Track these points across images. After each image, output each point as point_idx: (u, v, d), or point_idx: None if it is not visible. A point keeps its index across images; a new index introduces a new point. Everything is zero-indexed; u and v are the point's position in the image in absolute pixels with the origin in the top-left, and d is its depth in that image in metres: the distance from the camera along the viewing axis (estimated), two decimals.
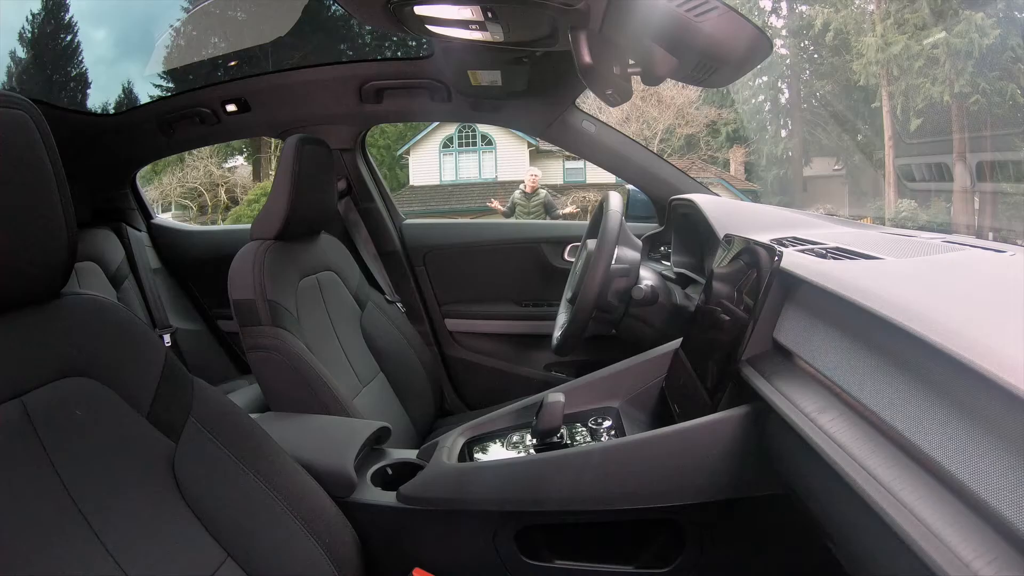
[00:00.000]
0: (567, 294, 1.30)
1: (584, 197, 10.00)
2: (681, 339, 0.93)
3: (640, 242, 1.19)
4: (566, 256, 1.78)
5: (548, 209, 5.06)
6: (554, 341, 1.20)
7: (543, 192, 5.12)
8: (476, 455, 0.90)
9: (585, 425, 0.93)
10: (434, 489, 0.79)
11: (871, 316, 0.49)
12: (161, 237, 2.08)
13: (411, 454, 0.92)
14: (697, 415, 0.70)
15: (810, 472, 0.52)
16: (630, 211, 1.71)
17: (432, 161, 11.92)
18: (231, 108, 1.70)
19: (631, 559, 0.78)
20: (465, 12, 1.00)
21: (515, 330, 1.84)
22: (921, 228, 1.03)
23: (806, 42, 10.85)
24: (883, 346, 0.49)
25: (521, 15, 1.01)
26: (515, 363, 1.83)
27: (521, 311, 1.83)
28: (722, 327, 0.76)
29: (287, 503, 0.68)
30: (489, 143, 11.69)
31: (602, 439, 0.89)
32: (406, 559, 0.80)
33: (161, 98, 1.82)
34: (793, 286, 0.66)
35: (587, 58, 0.92)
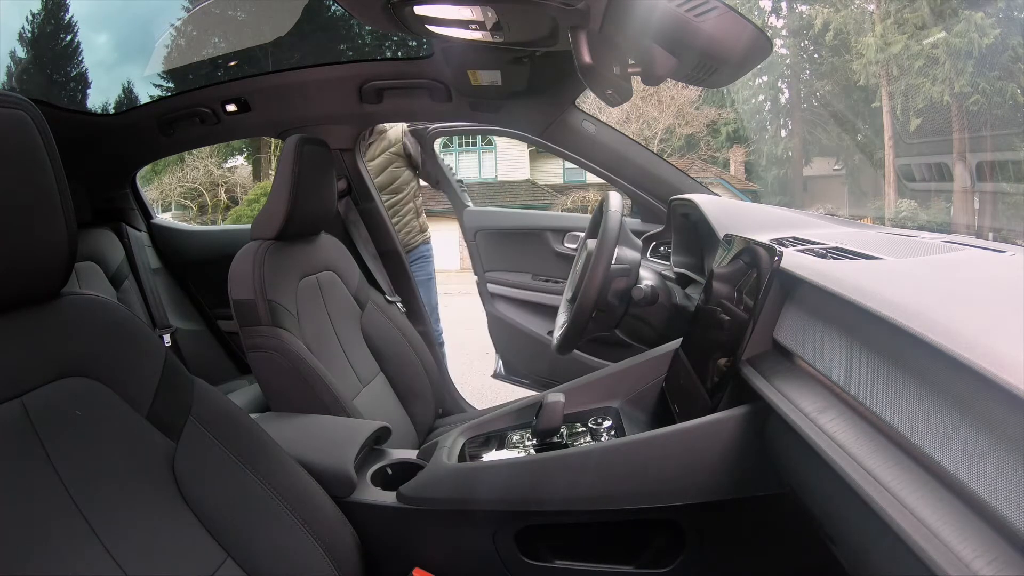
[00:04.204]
0: (567, 294, 1.30)
1: (584, 197, 10.00)
2: (681, 339, 0.93)
3: (640, 242, 1.19)
4: (565, 243, 1.84)
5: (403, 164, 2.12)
6: (554, 341, 1.20)
7: (395, 136, 2.10)
8: (476, 455, 0.90)
9: (585, 425, 0.93)
10: (434, 489, 0.79)
11: (871, 316, 0.49)
12: (161, 237, 2.08)
13: (411, 454, 0.92)
14: (697, 415, 0.70)
15: (810, 472, 0.52)
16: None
17: None
18: (231, 108, 1.70)
19: (631, 559, 0.78)
20: (465, 12, 1.00)
21: (533, 299, 1.93)
22: (921, 228, 1.03)
23: (806, 42, 10.86)
24: (883, 346, 0.49)
25: (521, 15, 1.01)
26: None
27: (535, 283, 1.93)
28: (722, 327, 0.76)
29: (287, 503, 0.68)
30: (489, 143, 11.68)
31: (602, 439, 0.89)
32: (406, 559, 0.80)
33: (161, 98, 1.82)
34: (793, 286, 0.66)
35: (587, 58, 0.92)
